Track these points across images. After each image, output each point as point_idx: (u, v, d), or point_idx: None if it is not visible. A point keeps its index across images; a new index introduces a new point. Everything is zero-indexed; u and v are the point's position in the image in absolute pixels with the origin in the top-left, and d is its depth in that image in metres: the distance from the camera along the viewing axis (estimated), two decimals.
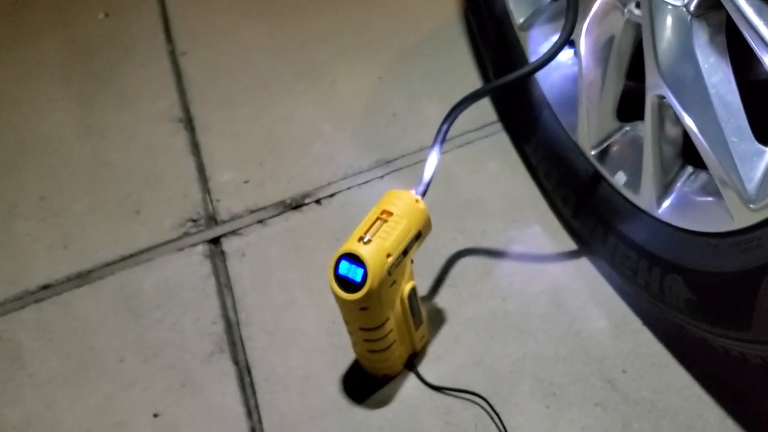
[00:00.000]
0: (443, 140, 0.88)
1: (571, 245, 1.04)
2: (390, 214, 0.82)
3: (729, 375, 0.89)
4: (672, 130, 0.80)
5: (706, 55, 0.71)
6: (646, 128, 0.80)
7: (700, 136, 0.71)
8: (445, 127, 0.88)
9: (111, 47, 1.44)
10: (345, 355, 0.97)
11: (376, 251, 0.79)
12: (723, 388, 0.88)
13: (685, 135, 0.78)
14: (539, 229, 1.06)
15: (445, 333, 0.98)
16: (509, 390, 0.92)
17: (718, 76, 0.70)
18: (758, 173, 0.68)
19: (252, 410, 0.95)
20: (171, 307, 1.05)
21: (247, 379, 0.97)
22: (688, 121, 0.72)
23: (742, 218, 0.69)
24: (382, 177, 1.17)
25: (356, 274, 0.79)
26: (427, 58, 1.33)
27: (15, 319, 1.06)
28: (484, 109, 1.23)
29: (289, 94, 1.31)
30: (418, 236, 0.84)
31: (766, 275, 0.66)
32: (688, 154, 0.82)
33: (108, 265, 1.11)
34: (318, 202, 1.15)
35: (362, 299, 0.80)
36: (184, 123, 1.29)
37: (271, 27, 1.43)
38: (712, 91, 0.70)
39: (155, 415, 0.96)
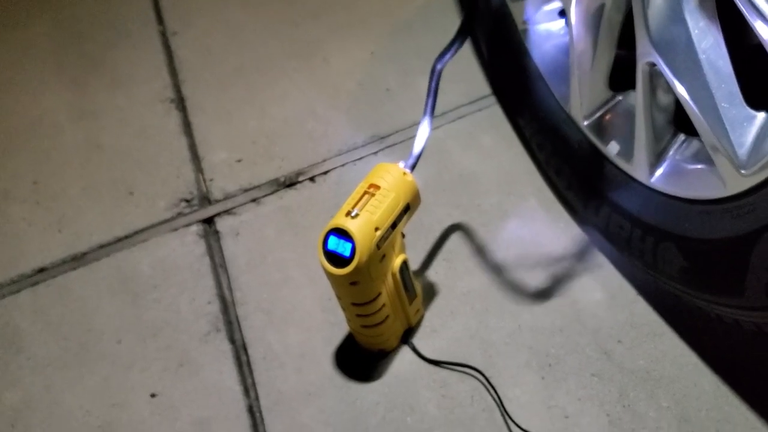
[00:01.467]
0: (434, 103, 0.87)
1: (565, 217, 1.04)
2: (378, 187, 0.82)
3: (724, 343, 0.89)
4: (663, 98, 0.79)
5: (696, 21, 0.70)
6: (637, 96, 0.79)
7: (691, 102, 0.70)
8: (433, 85, 0.87)
9: (101, 29, 1.43)
10: (341, 332, 0.97)
11: (364, 225, 0.79)
12: (718, 356, 0.88)
13: (677, 102, 0.77)
14: (534, 202, 1.06)
15: (440, 307, 0.98)
16: (505, 362, 0.92)
17: (708, 41, 0.70)
18: (749, 138, 0.67)
19: (249, 388, 0.95)
20: (167, 288, 1.05)
21: (243, 358, 0.97)
22: (679, 88, 0.71)
23: (734, 184, 0.69)
24: (376, 153, 1.16)
25: (345, 248, 0.79)
26: (420, 33, 1.32)
27: (12, 303, 1.06)
28: (477, 82, 1.22)
29: (281, 73, 1.30)
30: (407, 209, 0.84)
31: (759, 240, 0.66)
32: (680, 122, 0.81)
33: (103, 246, 1.11)
34: (312, 179, 1.15)
35: (352, 273, 0.80)
36: (176, 104, 1.28)
37: (261, 5, 1.42)
38: (702, 56, 0.70)
39: (153, 395, 0.96)
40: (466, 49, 1.27)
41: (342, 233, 0.79)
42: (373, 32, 1.33)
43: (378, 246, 0.81)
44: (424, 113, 0.87)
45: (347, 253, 0.79)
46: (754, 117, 0.68)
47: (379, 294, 0.85)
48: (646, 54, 0.75)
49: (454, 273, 1.01)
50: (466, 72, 1.24)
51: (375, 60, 1.29)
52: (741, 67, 0.69)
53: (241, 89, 1.28)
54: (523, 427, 0.86)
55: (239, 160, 1.18)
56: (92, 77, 1.35)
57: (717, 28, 0.69)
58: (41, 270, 1.10)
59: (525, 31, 1.02)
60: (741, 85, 0.69)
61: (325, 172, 1.15)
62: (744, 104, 0.69)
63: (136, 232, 1.12)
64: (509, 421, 0.87)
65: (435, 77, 0.88)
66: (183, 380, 0.97)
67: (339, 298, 0.87)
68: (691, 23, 0.70)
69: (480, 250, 1.02)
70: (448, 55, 0.88)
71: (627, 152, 0.87)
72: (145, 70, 1.34)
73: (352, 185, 1.11)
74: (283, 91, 1.27)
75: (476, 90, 1.22)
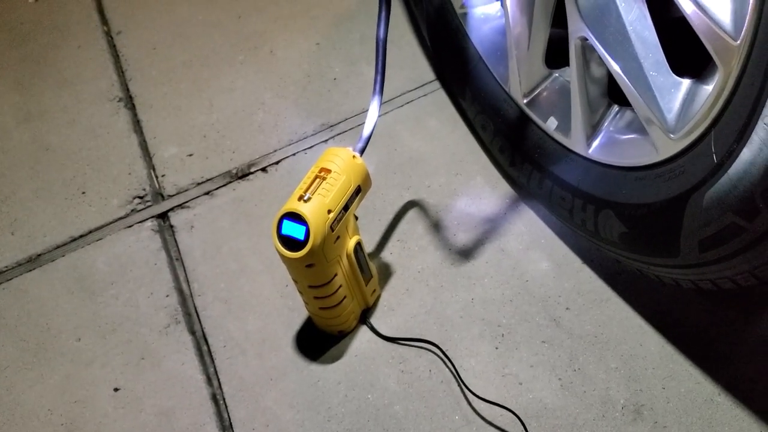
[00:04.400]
0: (383, 80, 0.89)
1: (511, 193, 1.07)
2: (328, 171, 0.84)
3: (665, 304, 0.93)
4: (596, 71, 0.83)
5: None
6: (571, 71, 0.83)
7: (621, 73, 0.74)
8: (380, 57, 0.88)
9: (44, 31, 1.42)
10: (300, 316, 0.99)
11: (316, 208, 0.81)
12: (661, 317, 0.92)
13: (609, 75, 0.81)
14: (480, 180, 1.09)
15: (396, 286, 1.00)
16: (460, 335, 0.95)
17: (634, 14, 0.73)
18: (677, 104, 0.71)
19: (211, 377, 0.96)
20: (124, 284, 1.06)
21: (204, 348, 0.99)
22: (610, 60, 0.75)
23: (665, 149, 0.73)
24: (326, 141, 1.18)
25: (299, 232, 0.81)
26: (363, 22, 1.34)
27: None
28: (421, 68, 1.25)
29: (228, 66, 1.31)
30: (358, 191, 0.86)
31: (689, 201, 0.70)
32: (613, 94, 0.85)
33: (58, 247, 1.11)
34: (264, 170, 1.16)
35: (306, 256, 0.82)
36: (125, 102, 1.28)
37: (205, 1, 1.42)
38: (630, 28, 0.73)
39: (116, 389, 0.97)
40: (410, 37, 1.30)
41: (295, 217, 0.81)
42: (317, 23, 1.35)
43: (332, 228, 0.83)
44: (374, 93, 0.89)
45: (301, 237, 0.81)
46: (680, 83, 0.72)
47: (335, 275, 0.87)
48: (577, 29, 0.79)
49: (408, 252, 1.03)
50: (410, 59, 1.27)
51: (321, 50, 1.31)
52: (666, 36, 0.73)
53: (188, 84, 1.29)
54: (480, 395, 0.89)
55: (190, 155, 1.19)
56: (37, 78, 1.34)
57: (642, 1, 0.73)
58: None
59: (464, 15, 1.05)
60: (667, 54, 0.73)
61: (277, 162, 1.17)
62: (670, 72, 0.73)
63: (91, 231, 1.12)
64: (466, 391, 0.90)
65: (381, 47, 0.89)
66: (145, 373, 0.98)
67: (296, 281, 0.89)
68: None
69: (432, 229, 1.05)
70: (382, 20, 0.89)
71: (565, 127, 0.90)
72: (91, 70, 1.34)
73: (304, 174, 1.13)
74: (230, 84, 1.28)
75: (421, 76, 1.24)
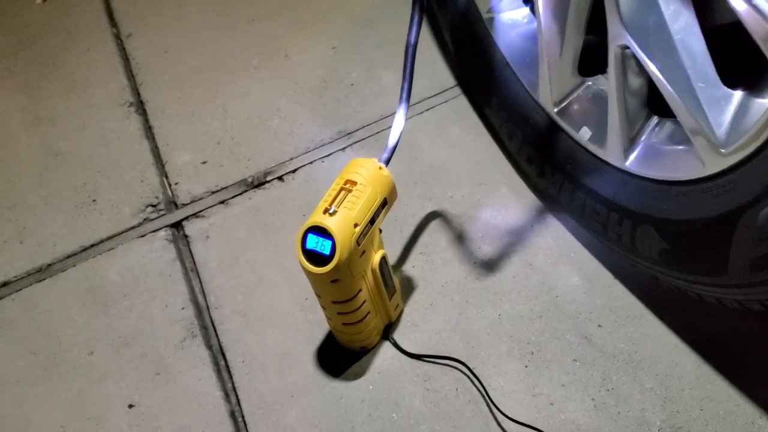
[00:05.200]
0: (410, 87, 0.86)
1: (538, 205, 1.04)
2: (354, 183, 0.81)
3: (703, 321, 0.90)
4: (636, 81, 0.79)
5: (668, 2, 0.70)
6: (610, 81, 0.79)
7: (666, 84, 0.70)
8: (409, 63, 0.86)
9: (53, 33, 1.39)
10: (320, 330, 0.96)
11: (342, 222, 0.78)
12: (698, 335, 0.89)
13: (650, 85, 0.78)
14: (505, 191, 1.06)
15: (419, 301, 0.97)
16: (487, 352, 0.92)
17: (681, 22, 0.70)
18: (727, 117, 0.68)
19: (229, 393, 0.93)
20: (138, 295, 1.03)
21: (222, 363, 0.95)
22: (654, 70, 0.72)
23: (714, 164, 0.69)
24: (344, 149, 1.15)
25: (324, 246, 0.78)
26: (381, 26, 1.31)
27: None
28: (441, 74, 1.22)
29: (242, 71, 1.28)
30: (384, 204, 0.83)
31: (741, 217, 0.67)
32: (653, 104, 0.82)
33: (69, 257, 1.08)
34: (280, 178, 1.13)
35: (332, 272, 0.79)
36: (136, 107, 1.25)
37: (217, 3, 1.39)
38: (676, 37, 0.70)
39: (130, 406, 0.93)
40: (429, 42, 1.27)
41: (320, 231, 0.78)
42: (333, 27, 1.32)
43: (357, 242, 0.80)
44: (400, 101, 0.86)
45: (327, 251, 0.78)
46: (731, 96, 0.69)
47: (360, 291, 0.84)
48: (618, 37, 0.75)
49: (431, 266, 1.00)
50: (429, 64, 1.24)
51: (337, 55, 1.28)
52: (715, 46, 0.70)
53: (201, 89, 1.26)
54: (510, 416, 0.85)
55: (204, 162, 1.16)
56: (46, 81, 1.31)
57: (689, 8, 0.70)
58: (4, 284, 1.06)
59: (490, 19, 1.02)
60: (716, 65, 0.70)
61: (293, 171, 1.14)
62: (720, 84, 0.69)
63: (102, 241, 1.09)
64: (495, 411, 0.87)
65: (410, 53, 0.86)
66: (160, 389, 0.94)
67: (319, 296, 0.86)
68: (663, 5, 0.71)
69: (455, 242, 1.02)
70: (414, 25, 0.86)
71: (599, 137, 0.87)
72: (100, 74, 1.31)
73: (322, 183, 1.11)
74: (244, 89, 1.25)
75: (441, 81, 1.21)
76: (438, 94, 1.20)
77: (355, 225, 0.79)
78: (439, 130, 1.15)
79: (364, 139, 1.16)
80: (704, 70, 0.69)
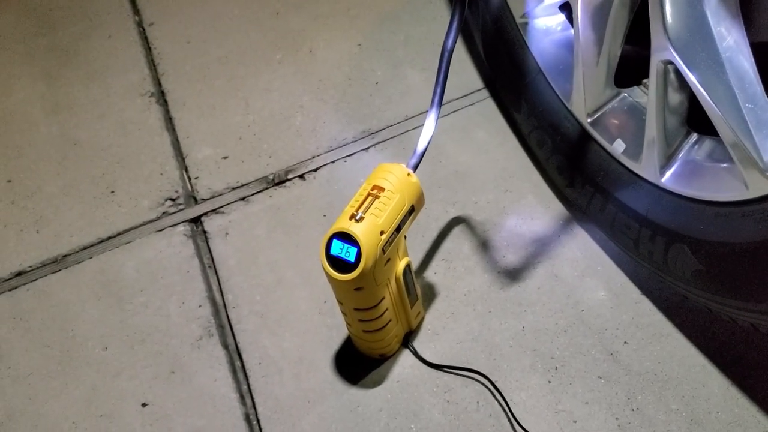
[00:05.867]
0: (443, 92, 0.84)
1: (565, 214, 1.02)
2: (381, 189, 0.79)
3: (732, 342, 0.88)
4: (677, 97, 0.77)
5: (718, 18, 0.68)
6: (650, 95, 0.77)
7: (712, 103, 0.68)
8: (443, 67, 0.83)
9: (74, 19, 1.37)
10: (339, 335, 0.95)
11: (369, 229, 0.76)
12: (726, 356, 0.87)
13: (691, 101, 0.76)
14: (532, 199, 1.04)
15: (440, 309, 0.95)
16: (510, 365, 0.90)
17: (730, 39, 0.68)
18: None
19: (245, 395, 0.92)
20: (155, 291, 1.01)
21: (238, 364, 0.94)
22: (699, 88, 0.69)
23: (758, 187, 0.67)
24: (367, 149, 1.13)
25: (349, 253, 0.76)
26: (408, 23, 1.28)
27: None
28: (469, 76, 1.20)
29: (266, 65, 1.26)
30: (411, 211, 0.81)
31: None
32: (692, 120, 0.79)
33: (85, 248, 1.06)
34: (302, 177, 1.11)
35: (357, 279, 0.77)
36: (157, 97, 1.23)
37: None
38: (725, 55, 0.68)
39: (144, 405, 0.92)
40: (457, 43, 1.24)
41: (346, 237, 0.76)
42: (359, 23, 1.29)
43: (383, 250, 0.78)
44: (431, 105, 0.84)
45: (352, 258, 0.76)
46: None
47: (383, 299, 0.82)
48: (661, 51, 0.73)
49: (454, 273, 0.98)
50: (456, 65, 1.21)
51: (362, 51, 1.26)
52: (765, 66, 0.68)
53: (224, 82, 1.24)
54: None
55: (225, 157, 1.14)
56: (66, 69, 1.29)
57: (740, 25, 0.67)
58: (19, 273, 1.05)
59: (524, 25, 1.00)
60: (765, 85, 0.67)
61: (315, 170, 1.12)
62: None
63: (120, 233, 1.07)
64: (517, 427, 0.85)
65: (446, 57, 0.84)
66: (175, 388, 0.93)
67: (340, 303, 0.84)
68: (712, 21, 0.68)
69: (479, 249, 1.00)
70: (453, 29, 0.84)
71: (634, 151, 0.85)
72: (121, 62, 1.29)
73: (344, 183, 1.09)
74: (267, 84, 1.23)
75: (467, 84, 1.19)
76: (465, 96, 1.17)
77: (382, 232, 0.77)
78: (464, 133, 1.13)
79: (388, 139, 1.14)
80: (752, 90, 0.67)
